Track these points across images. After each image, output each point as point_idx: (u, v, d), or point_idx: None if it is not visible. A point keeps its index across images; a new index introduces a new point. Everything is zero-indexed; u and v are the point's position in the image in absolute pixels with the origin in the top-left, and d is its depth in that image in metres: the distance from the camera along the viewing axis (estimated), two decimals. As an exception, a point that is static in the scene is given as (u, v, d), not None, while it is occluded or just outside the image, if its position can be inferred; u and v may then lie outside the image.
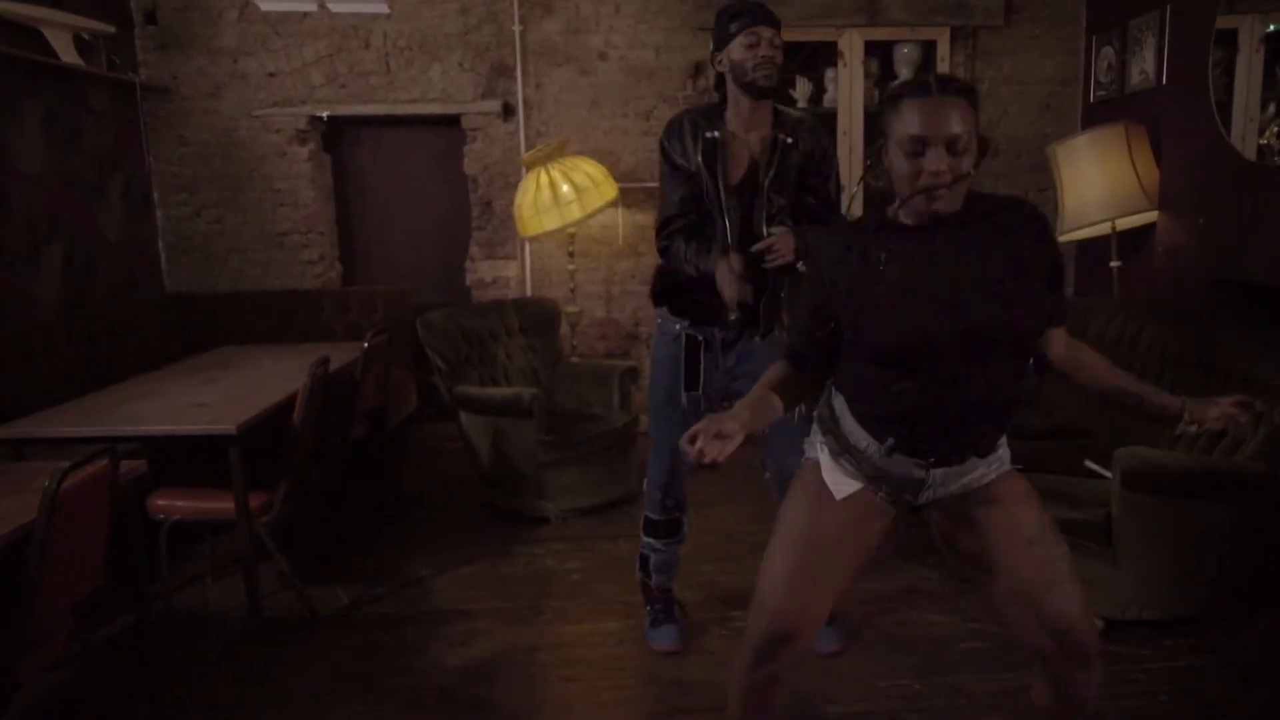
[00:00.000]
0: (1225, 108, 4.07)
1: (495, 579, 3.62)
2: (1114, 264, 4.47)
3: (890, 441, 1.86)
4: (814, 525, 1.92)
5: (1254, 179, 3.60)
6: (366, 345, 3.83)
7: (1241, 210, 3.75)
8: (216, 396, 3.42)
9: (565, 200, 4.73)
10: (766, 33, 2.55)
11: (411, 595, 3.51)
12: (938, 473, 1.89)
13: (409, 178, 5.50)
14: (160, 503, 3.20)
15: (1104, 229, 4.43)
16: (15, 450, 3.03)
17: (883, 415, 1.87)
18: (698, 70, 5.18)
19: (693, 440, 1.67)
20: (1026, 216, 1.87)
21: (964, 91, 1.75)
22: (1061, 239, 4.53)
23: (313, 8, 3.94)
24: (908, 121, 1.70)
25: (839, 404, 1.95)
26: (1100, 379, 1.96)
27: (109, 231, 4.77)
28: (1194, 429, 1.85)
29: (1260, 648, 2.93)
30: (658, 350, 2.86)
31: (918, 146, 1.70)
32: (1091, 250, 4.94)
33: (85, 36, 4.52)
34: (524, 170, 4.96)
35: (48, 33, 4.26)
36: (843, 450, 1.93)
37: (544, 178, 4.77)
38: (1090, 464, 3.42)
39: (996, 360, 1.81)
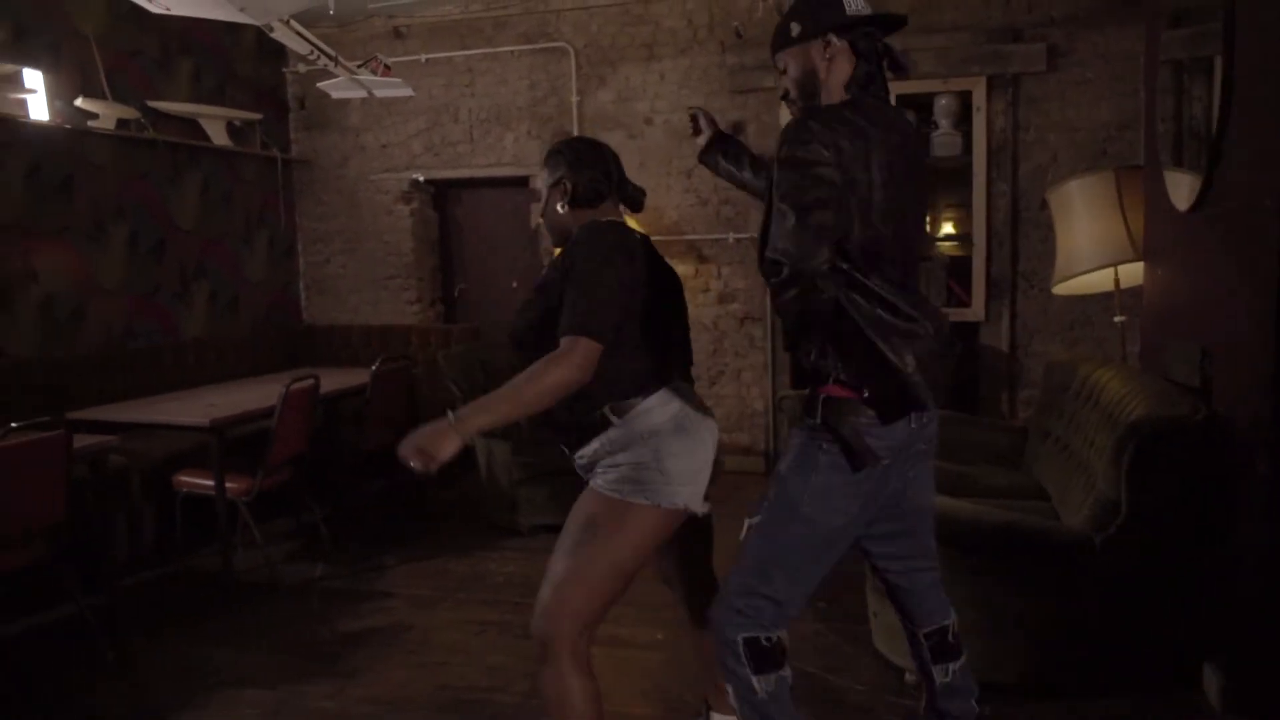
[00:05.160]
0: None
1: (435, 572, 4.18)
2: (1118, 319, 4.16)
3: None
4: None
5: (1182, 226, 3.31)
6: (374, 369, 4.62)
7: (1174, 260, 3.45)
8: (231, 399, 4.33)
9: (591, 250, 5.25)
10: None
11: (366, 576, 4.16)
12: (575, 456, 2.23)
13: (496, 231, 6.31)
14: (180, 479, 4.13)
15: (1105, 283, 4.15)
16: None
17: None
18: (736, 130, 5.50)
19: None
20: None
21: (551, 153, 2.26)
22: (1055, 289, 4.31)
23: (363, 94, 4.85)
24: None
25: None
26: None
27: (252, 275, 6.03)
28: None
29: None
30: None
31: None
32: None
33: (237, 123, 5.82)
34: (567, 223, 5.55)
35: (203, 122, 5.57)
36: None
37: (576, 230, 5.33)
38: None
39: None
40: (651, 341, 2.16)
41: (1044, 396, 4.16)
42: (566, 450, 2.25)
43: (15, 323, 4.49)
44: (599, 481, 2.12)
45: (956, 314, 5.20)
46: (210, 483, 4.02)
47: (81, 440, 3.40)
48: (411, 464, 1.90)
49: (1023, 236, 5.14)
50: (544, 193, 2.28)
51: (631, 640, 3.37)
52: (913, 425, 1.99)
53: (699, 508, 2.16)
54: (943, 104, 5.16)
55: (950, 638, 2.25)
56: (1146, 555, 2.75)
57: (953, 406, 4.90)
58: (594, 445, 2.14)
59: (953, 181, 5.27)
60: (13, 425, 3.01)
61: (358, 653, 3.37)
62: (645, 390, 2.11)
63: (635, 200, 2.33)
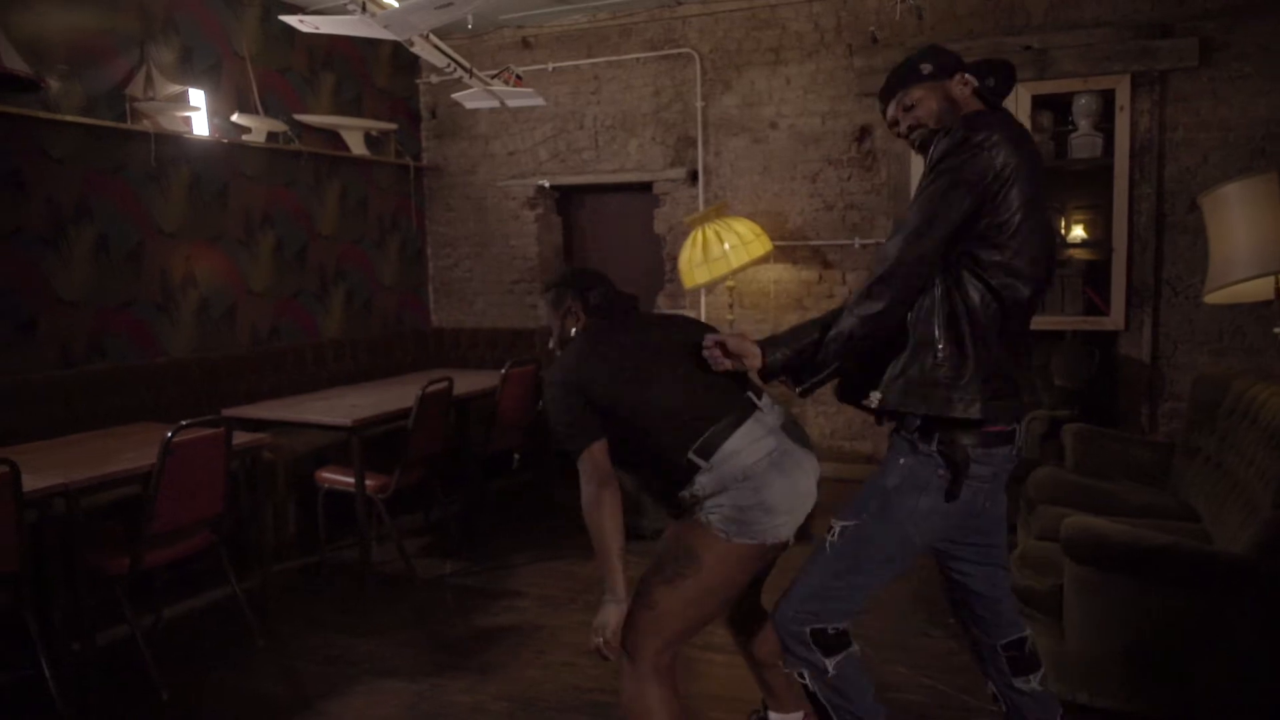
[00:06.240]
0: None
1: (564, 574, 4.27)
2: (1278, 330, 3.91)
3: None
4: None
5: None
6: (503, 373, 4.75)
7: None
8: (370, 400, 4.52)
9: (714, 256, 5.27)
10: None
11: (495, 574, 4.29)
12: None
13: (619, 236, 6.39)
14: (322, 475, 4.34)
15: (1262, 291, 3.91)
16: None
17: None
18: (862, 134, 5.42)
19: None
20: None
21: (552, 288, 2.53)
22: (1207, 298, 4.09)
23: (496, 104, 4.98)
24: None
25: None
26: None
27: (384, 278, 6.28)
28: None
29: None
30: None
31: None
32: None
33: (373, 133, 6.07)
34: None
35: (343, 134, 5.84)
36: None
37: (700, 236, 5.35)
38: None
39: None
40: (688, 384, 2.19)
41: (1192, 412, 3.96)
42: (668, 511, 2.33)
43: (176, 324, 4.81)
44: (706, 518, 2.13)
45: (1094, 322, 4.99)
46: (350, 480, 4.21)
47: (237, 437, 3.61)
48: None
49: (1168, 242, 4.89)
50: (555, 323, 2.46)
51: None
52: (1012, 451, 2.09)
53: (791, 536, 2.20)
54: (1082, 104, 4.94)
55: (1028, 649, 2.24)
56: (1317, 587, 2.58)
57: (1090, 419, 4.70)
58: (690, 490, 2.16)
59: (1088, 183, 5.05)
60: (183, 423, 3.23)
61: (490, 649, 3.48)
62: (722, 431, 2.12)
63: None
